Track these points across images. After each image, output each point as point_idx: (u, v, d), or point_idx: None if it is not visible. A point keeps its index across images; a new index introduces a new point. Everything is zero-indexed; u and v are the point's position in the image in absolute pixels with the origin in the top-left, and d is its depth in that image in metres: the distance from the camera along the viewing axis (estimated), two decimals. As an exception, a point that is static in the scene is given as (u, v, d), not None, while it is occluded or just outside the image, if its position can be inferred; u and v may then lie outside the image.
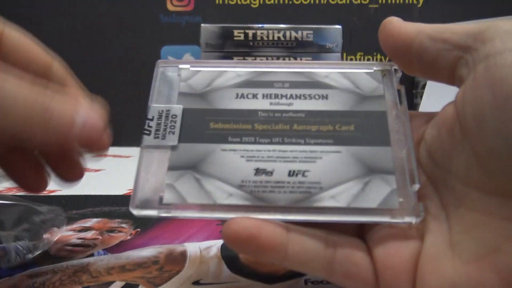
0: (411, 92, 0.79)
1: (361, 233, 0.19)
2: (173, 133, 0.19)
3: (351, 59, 0.85)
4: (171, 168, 0.18)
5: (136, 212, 0.17)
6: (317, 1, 0.86)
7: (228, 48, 0.60)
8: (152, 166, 0.18)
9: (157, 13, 0.88)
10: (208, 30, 0.62)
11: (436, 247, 0.16)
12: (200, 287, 0.21)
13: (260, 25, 0.60)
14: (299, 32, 0.59)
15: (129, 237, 0.28)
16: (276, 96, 0.20)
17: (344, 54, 0.88)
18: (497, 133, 0.14)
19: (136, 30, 0.89)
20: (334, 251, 0.17)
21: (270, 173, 0.18)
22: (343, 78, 0.20)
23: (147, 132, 0.19)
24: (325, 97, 0.20)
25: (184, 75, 0.21)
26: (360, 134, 0.18)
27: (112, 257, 0.25)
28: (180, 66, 0.21)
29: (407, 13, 0.85)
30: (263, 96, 0.20)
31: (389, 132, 0.18)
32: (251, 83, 0.20)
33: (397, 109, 0.19)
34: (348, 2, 0.86)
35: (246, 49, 0.60)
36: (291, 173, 0.18)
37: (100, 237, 0.28)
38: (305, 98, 0.20)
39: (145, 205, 0.17)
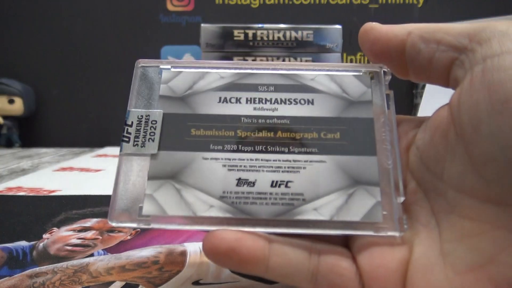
0: (411, 92, 0.79)
1: (346, 240, 0.18)
2: (153, 140, 0.18)
3: (351, 59, 0.85)
4: (151, 177, 0.18)
5: (115, 224, 0.17)
6: (317, 1, 0.86)
7: (228, 48, 0.60)
8: (131, 175, 0.18)
9: (157, 13, 0.88)
10: (208, 30, 0.62)
11: (427, 256, 0.16)
12: (200, 287, 0.21)
13: (260, 25, 0.60)
14: (299, 32, 0.59)
15: (129, 237, 0.28)
16: (260, 100, 0.19)
17: (344, 54, 0.88)
18: (493, 139, 0.14)
19: (136, 30, 0.89)
20: (318, 262, 0.16)
21: (252, 183, 0.17)
22: (330, 81, 0.20)
23: (126, 139, 0.18)
24: (311, 102, 0.19)
25: (165, 76, 0.20)
26: (346, 143, 0.18)
27: (112, 257, 0.25)
28: (161, 66, 0.20)
29: (407, 13, 0.85)
30: (247, 100, 0.19)
31: (375, 141, 0.18)
32: (234, 86, 0.20)
33: (384, 115, 0.18)
34: (348, 2, 0.86)
35: (246, 49, 0.60)
36: (274, 184, 0.17)
37: (100, 237, 0.28)
38: (290, 103, 0.19)
39: (124, 216, 0.17)
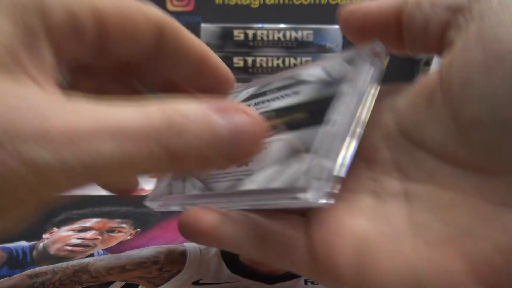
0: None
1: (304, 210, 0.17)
2: None
3: (351, 59, 0.85)
4: None
5: (147, 203, 0.21)
6: (317, 1, 0.86)
7: (228, 48, 0.60)
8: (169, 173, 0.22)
9: (157, 13, 0.88)
10: (208, 30, 0.62)
11: (393, 227, 0.14)
12: (200, 287, 0.21)
13: (260, 25, 0.60)
14: (299, 32, 0.59)
15: (129, 237, 0.28)
16: (262, 102, 0.21)
17: (344, 54, 0.88)
18: (484, 99, 0.13)
19: (136, 30, 0.89)
20: (267, 230, 0.16)
21: None
22: (321, 71, 0.20)
23: None
24: (297, 93, 0.20)
25: None
26: (307, 119, 0.18)
27: (112, 257, 0.25)
28: None
29: (407, 13, 0.85)
30: (254, 104, 0.21)
31: (329, 111, 0.17)
32: (252, 96, 0.22)
33: (355, 87, 0.17)
34: (348, 2, 0.86)
35: (246, 49, 0.60)
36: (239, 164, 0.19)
37: (100, 237, 0.28)
38: (283, 97, 0.20)
39: (153, 199, 0.21)
